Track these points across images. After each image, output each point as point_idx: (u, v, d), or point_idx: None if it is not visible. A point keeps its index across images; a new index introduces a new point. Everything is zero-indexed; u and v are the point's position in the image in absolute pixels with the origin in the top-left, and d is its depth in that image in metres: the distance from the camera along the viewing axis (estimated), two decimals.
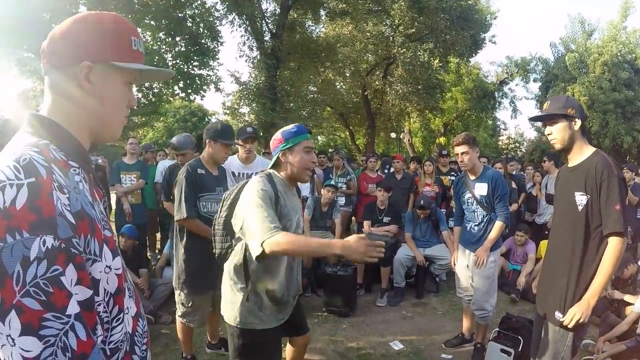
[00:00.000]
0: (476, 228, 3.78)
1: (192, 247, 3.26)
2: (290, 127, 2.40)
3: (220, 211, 2.49)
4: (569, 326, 2.24)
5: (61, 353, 0.80)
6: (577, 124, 2.30)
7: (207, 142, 3.35)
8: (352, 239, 1.86)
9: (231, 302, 2.35)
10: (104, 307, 0.96)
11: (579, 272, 2.28)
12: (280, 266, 2.35)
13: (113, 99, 1.04)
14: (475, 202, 3.75)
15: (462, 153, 3.66)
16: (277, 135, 2.39)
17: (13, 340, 0.76)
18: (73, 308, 0.82)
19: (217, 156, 3.36)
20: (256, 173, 4.05)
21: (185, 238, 3.27)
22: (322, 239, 2.42)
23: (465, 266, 3.88)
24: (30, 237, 0.78)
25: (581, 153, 2.35)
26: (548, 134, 2.42)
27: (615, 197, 2.16)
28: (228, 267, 2.40)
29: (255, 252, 1.96)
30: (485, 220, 3.74)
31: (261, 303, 2.32)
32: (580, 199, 2.27)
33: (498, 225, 3.68)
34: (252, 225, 2.02)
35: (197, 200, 3.23)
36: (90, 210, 0.93)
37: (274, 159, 2.38)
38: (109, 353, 0.97)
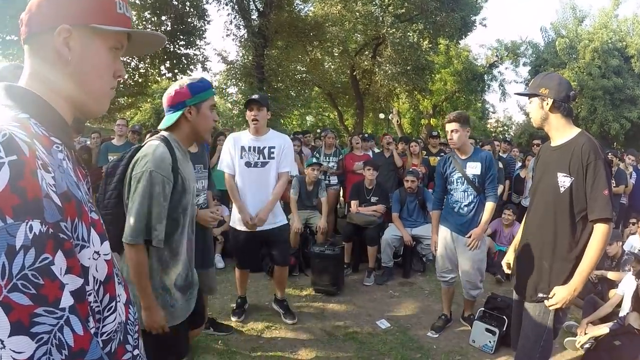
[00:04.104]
0: (465, 209, 3.76)
1: None
2: (196, 78, 2.10)
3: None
4: (549, 305, 2.22)
5: (56, 351, 0.71)
6: (549, 103, 2.24)
7: None
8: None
9: None
10: (95, 296, 0.88)
11: (563, 256, 2.23)
12: None
13: (96, 67, 0.94)
14: (466, 181, 3.72)
15: (452, 131, 3.64)
16: (179, 88, 2.04)
17: (2, 342, 0.67)
18: (67, 300, 0.74)
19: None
20: (272, 147, 3.66)
21: None
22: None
23: (451, 249, 3.87)
24: (15, 223, 0.68)
25: (564, 132, 2.29)
26: (528, 112, 2.44)
27: (603, 181, 2.09)
28: None
29: None
30: (475, 201, 3.73)
31: None
32: (563, 180, 2.20)
33: (490, 205, 3.71)
34: None
35: None
36: (76, 191, 0.84)
37: (175, 116, 2.03)
38: (101, 345, 0.88)
